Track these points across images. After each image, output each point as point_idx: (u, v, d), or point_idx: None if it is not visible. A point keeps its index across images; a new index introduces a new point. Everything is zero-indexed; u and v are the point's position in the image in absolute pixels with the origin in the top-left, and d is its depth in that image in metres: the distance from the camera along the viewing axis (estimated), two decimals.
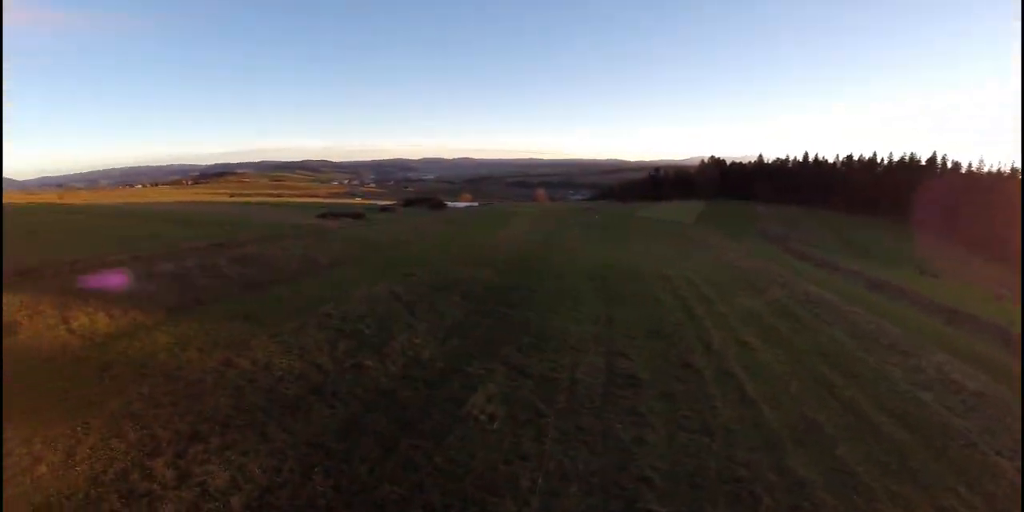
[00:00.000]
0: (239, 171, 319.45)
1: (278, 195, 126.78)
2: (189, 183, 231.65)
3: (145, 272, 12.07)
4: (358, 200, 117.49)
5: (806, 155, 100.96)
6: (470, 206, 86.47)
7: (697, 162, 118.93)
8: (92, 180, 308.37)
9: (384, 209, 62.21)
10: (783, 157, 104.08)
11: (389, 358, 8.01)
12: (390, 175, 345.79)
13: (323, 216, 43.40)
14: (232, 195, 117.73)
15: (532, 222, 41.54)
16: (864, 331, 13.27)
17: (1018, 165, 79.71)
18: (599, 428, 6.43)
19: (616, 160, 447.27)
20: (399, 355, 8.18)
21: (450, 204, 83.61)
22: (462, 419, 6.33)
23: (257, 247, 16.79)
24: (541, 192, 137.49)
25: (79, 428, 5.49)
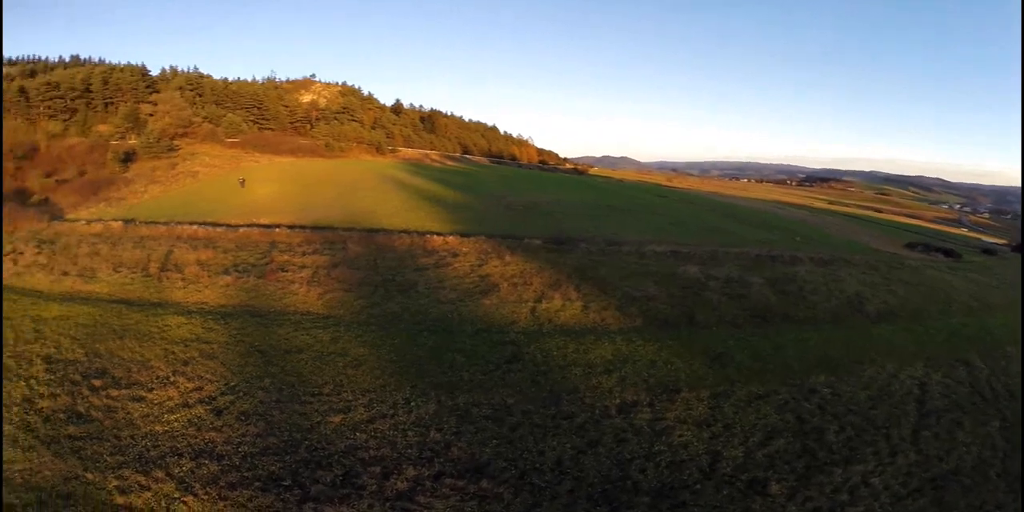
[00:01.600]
0: (845, 179, 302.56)
1: (877, 210, 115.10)
2: (792, 184, 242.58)
3: (665, 272, 10.73)
4: (964, 231, 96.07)
5: None
6: None
7: None
8: (705, 169, 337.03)
9: (987, 250, 50.41)
10: None
11: (801, 494, 5.34)
12: (1010, 206, 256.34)
13: (910, 245, 38.29)
14: (830, 203, 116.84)
15: None
16: None
17: None
18: None
19: None
20: (822, 495, 5.17)
21: None
22: None
23: (809, 270, 14.52)
24: None
25: (412, 404, 5.53)
